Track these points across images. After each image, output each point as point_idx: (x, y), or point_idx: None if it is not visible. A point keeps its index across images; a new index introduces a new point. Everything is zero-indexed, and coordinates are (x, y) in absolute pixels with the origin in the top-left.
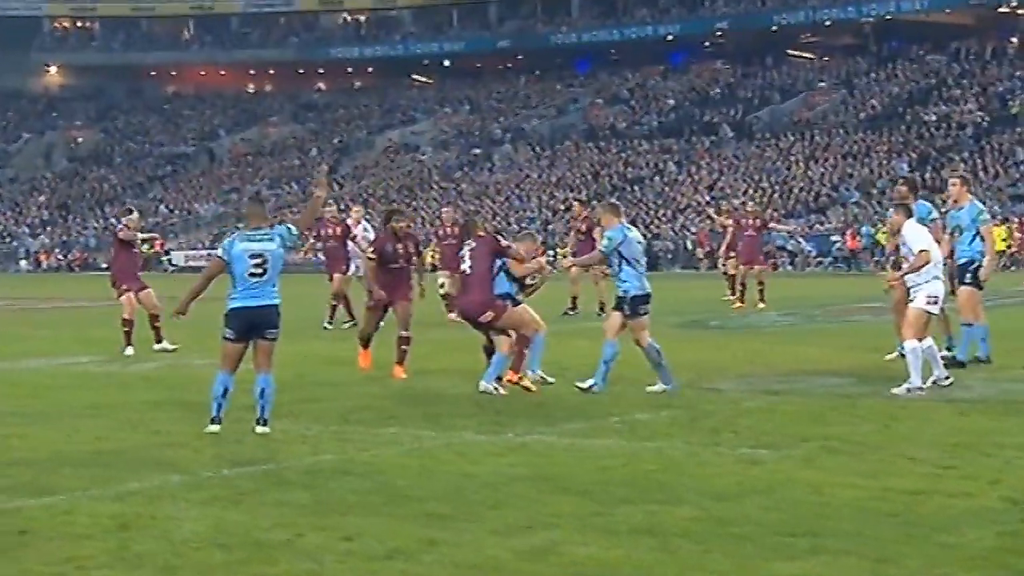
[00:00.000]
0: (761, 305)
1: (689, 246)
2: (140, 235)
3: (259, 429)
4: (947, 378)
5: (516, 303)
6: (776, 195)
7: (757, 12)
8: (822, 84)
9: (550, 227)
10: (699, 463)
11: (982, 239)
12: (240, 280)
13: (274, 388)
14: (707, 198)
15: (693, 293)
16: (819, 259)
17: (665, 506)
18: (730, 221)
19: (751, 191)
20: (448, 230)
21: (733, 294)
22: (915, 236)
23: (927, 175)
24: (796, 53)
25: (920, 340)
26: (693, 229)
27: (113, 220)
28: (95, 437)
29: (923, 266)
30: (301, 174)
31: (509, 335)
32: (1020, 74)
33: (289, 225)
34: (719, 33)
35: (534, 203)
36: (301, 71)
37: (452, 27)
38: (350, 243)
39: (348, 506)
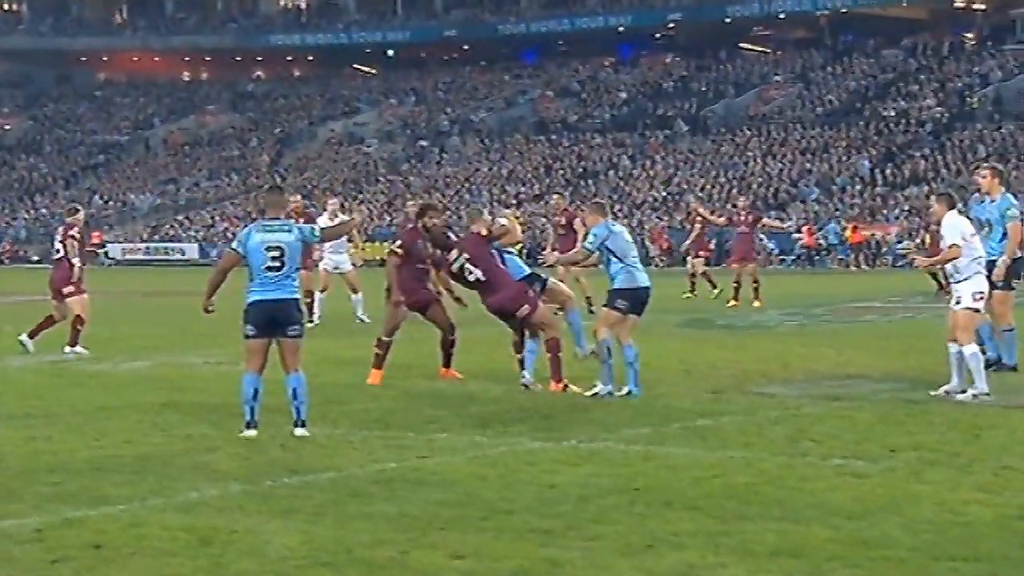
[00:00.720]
0: (757, 303)
1: (646, 243)
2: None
3: (297, 432)
4: (963, 391)
5: (543, 283)
6: (735, 191)
7: (711, 4)
8: (777, 78)
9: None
10: (800, 477)
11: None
12: (257, 273)
13: (306, 387)
14: (663, 193)
15: (665, 291)
16: (781, 256)
17: (793, 524)
18: (698, 219)
19: (708, 187)
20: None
21: (693, 291)
22: (948, 229)
23: (888, 171)
24: (749, 46)
25: (967, 343)
26: (648, 225)
27: (44, 210)
28: (123, 441)
29: (949, 260)
30: (241, 165)
31: (544, 329)
32: (978, 69)
33: (313, 227)
34: (671, 25)
35: (485, 197)
36: (238, 58)
37: (397, 16)
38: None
39: (443, 520)
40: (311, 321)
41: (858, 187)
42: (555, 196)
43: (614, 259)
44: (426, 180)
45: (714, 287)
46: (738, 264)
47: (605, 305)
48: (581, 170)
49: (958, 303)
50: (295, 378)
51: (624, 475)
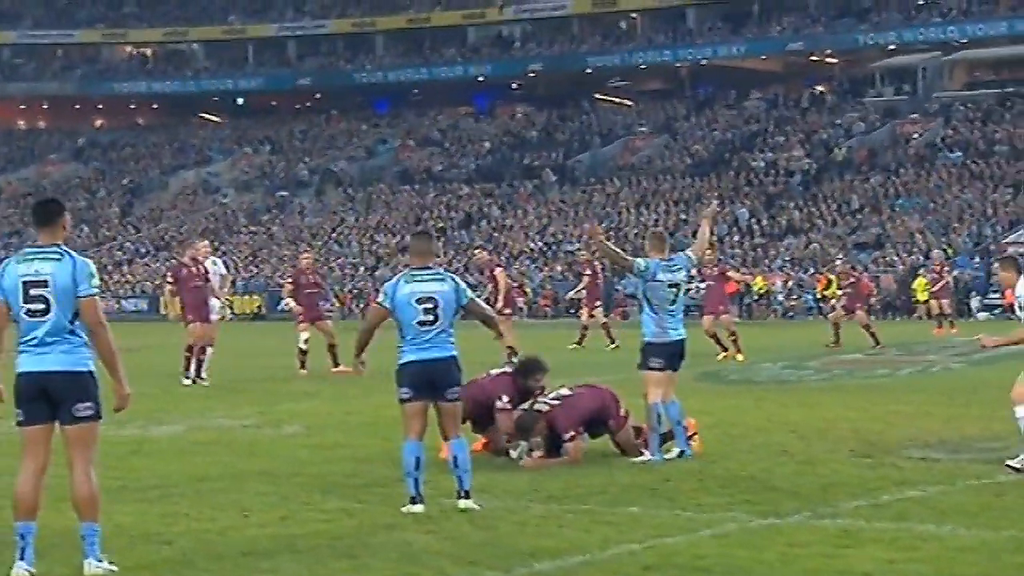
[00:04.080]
0: (740, 357)
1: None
2: None
3: (462, 504)
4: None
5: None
6: (612, 240)
7: (571, 54)
8: (642, 129)
9: (377, 272)
10: None
11: None
12: (408, 329)
13: (469, 454)
14: (540, 244)
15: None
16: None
17: None
18: (588, 270)
19: (584, 237)
20: (309, 277)
21: (580, 343)
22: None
23: (764, 221)
24: (606, 98)
25: None
26: (530, 277)
27: None
28: (279, 518)
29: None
30: (90, 216)
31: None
32: (841, 121)
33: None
34: (532, 75)
35: (355, 247)
36: (78, 106)
37: (248, 63)
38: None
39: None
40: (200, 379)
41: (736, 237)
42: (477, 251)
43: (647, 305)
44: (290, 231)
45: (580, 343)
46: (710, 317)
47: (640, 367)
48: (450, 220)
49: None
50: (456, 444)
51: (925, 559)
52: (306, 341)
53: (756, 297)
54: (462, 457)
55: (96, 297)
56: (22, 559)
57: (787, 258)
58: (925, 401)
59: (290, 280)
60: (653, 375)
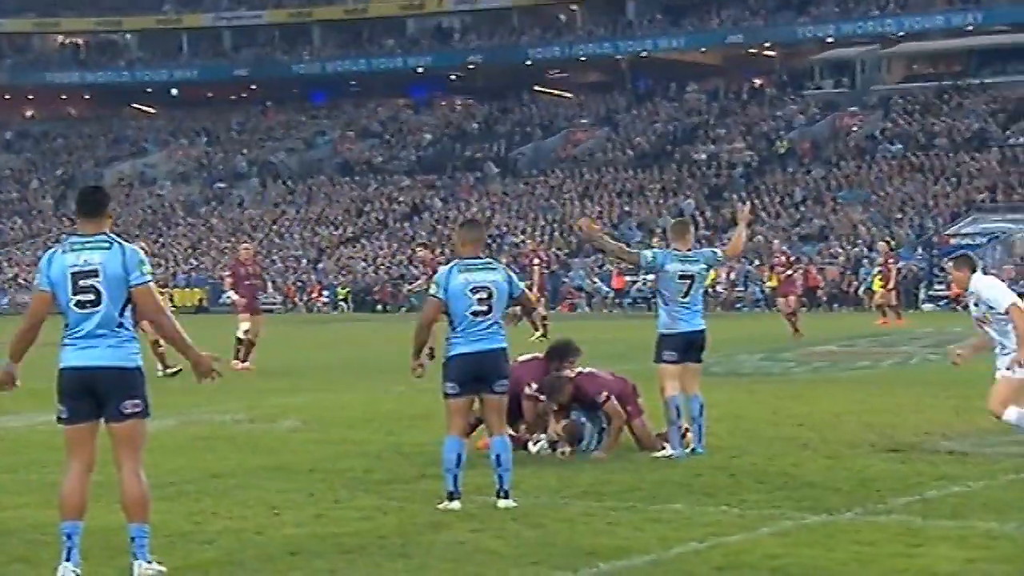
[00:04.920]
0: None
1: None
2: None
3: (501, 503)
4: None
5: None
6: (556, 233)
7: (511, 46)
8: (584, 121)
9: (320, 266)
10: None
11: None
12: (460, 319)
13: (511, 452)
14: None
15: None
16: (617, 300)
17: None
18: (537, 261)
19: (529, 229)
20: (249, 268)
21: (544, 335)
22: (994, 290)
23: (707, 214)
24: (546, 90)
25: None
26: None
27: None
28: (313, 516)
29: None
30: (23, 208)
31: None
32: (781, 114)
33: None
34: (471, 66)
35: (297, 240)
36: (8, 96)
37: (183, 54)
38: None
39: None
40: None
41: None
42: (419, 248)
43: (660, 297)
44: (229, 223)
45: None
46: None
47: (655, 360)
48: (394, 212)
49: (1009, 368)
50: (499, 442)
51: (1003, 558)
52: (246, 332)
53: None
54: (505, 456)
55: (151, 284)
56: (68, 560)
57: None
58: (922, 393)
59: (230, 272)
60: (668, 368)
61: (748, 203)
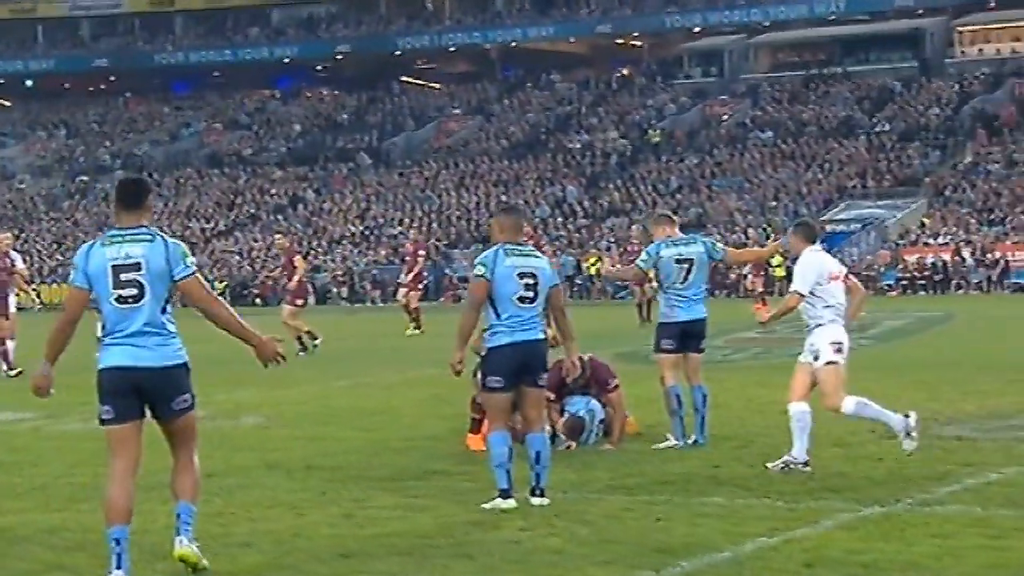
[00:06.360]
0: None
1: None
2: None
3: (535, 501)
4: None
5: None
6: (434, 224)
7: (379, 36)
8: (456, 111)
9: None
10: None
11: None
12: (505, 305)
13: (550, 449)
14: (360, 228)
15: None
16: None
17: None
18: (412, 249)
19: (407, 220)
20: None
21: (418, 327)
22: (801, 267)
23: (586, 203)
24: (414, 80)
25: (840, 401)
26: (355, 261)
27: None
28: (342, 516)
29: (790, 311)
30: None
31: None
32: (652, 103)
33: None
34: (339, 56)
35: (167, 234)
36: None
37: (38, 44)
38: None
39: None
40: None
41: (560, 219)
42: (278, 236)
43: (660, 287)
44: (95, 217)
45: (418, 327)
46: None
47: (654, 349)
48: (267, 204)
49: (816, 358)
50: (538, 438)
51: None
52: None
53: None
54: (544, 453)
55: (197, 275)
56: (119, 568)
57: (612, 239)
58: (879, 378)
59: None
60: (666, 357)
61: (776, 238)
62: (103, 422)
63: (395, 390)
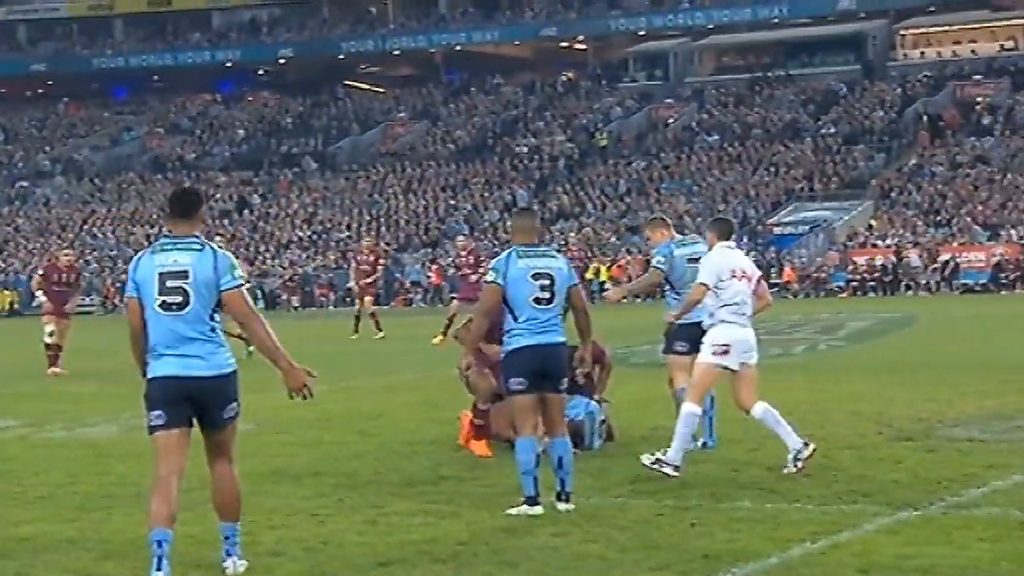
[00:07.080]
0: None
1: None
2: None
3: (561, 506)
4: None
5: None
6: (383, 228)
7: (323, 40)
8: (401, 115)
9: None
10: None
11: None
12: (522, 308)
13: (572, 454)
14: (308, 232)
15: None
16: (452, 294)
17: None
18: (371, 257)
19: (355, 224)
20: (64, 276)
21: (380, 330)
22: (707, 262)
23: (534, 206)
24: (358, 84)
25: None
26: (302, 266)
27: None
28: (367, 523)
29: (694, 304)
30: None
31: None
32: (598, 106)
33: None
34: (282, 60)
35: (111, 240)
36: None
37: None
38: None
39: None
40: None
41: (508, 222)
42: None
43: (669, 287)
44: (36, 223)
45: (380, 329)
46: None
47: (665, 351)
48: (212, 210)
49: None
50: (561, 443)
51: None
52: (51, 334)
53: None
54: (567, 458)
55: (243, 288)
56: (159, 570)
57: (561, 242)
58: (864, 379)
59: (41, 273)
60: (678, 359)
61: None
62: (152, 428)
63: (382, 394)
